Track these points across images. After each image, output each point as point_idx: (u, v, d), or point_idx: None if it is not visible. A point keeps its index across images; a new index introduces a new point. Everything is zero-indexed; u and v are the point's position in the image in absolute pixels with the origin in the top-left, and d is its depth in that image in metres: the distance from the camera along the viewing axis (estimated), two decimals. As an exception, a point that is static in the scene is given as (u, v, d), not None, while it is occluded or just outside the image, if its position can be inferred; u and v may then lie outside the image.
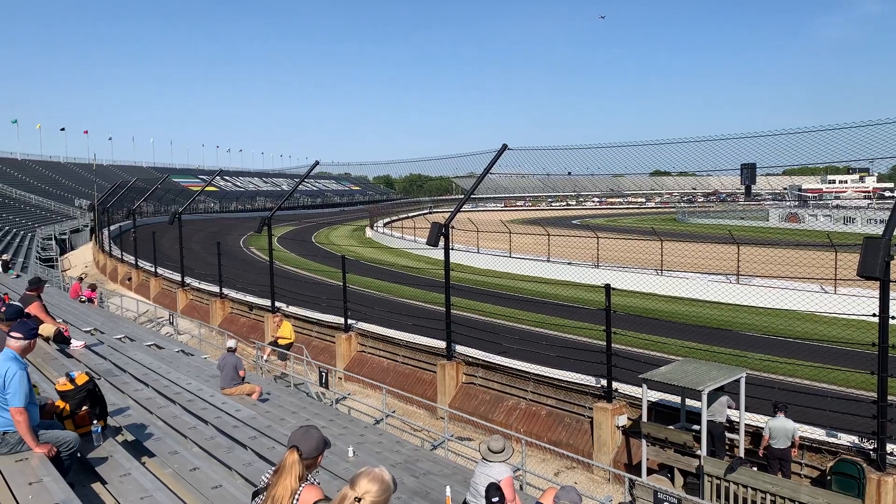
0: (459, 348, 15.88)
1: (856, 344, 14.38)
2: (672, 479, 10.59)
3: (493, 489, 5.78)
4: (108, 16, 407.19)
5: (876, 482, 9.25)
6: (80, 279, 24.48)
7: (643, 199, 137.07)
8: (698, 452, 10.02)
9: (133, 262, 35.57)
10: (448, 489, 7.46)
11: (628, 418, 12.24)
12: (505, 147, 16.34)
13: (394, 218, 73.23)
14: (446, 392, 15.48)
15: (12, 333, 5.39)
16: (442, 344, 15.98)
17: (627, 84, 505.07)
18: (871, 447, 9.65)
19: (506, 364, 14.84)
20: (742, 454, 10.45)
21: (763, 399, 11.04)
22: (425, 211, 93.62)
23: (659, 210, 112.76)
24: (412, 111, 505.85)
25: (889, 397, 9.50)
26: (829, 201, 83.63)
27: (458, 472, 9.36)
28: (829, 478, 9.68)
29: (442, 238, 15.16)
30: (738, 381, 10.44)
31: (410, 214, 78.75)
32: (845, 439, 10.15)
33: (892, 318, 9.44)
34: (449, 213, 16.04)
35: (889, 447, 9.50)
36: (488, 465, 6.38)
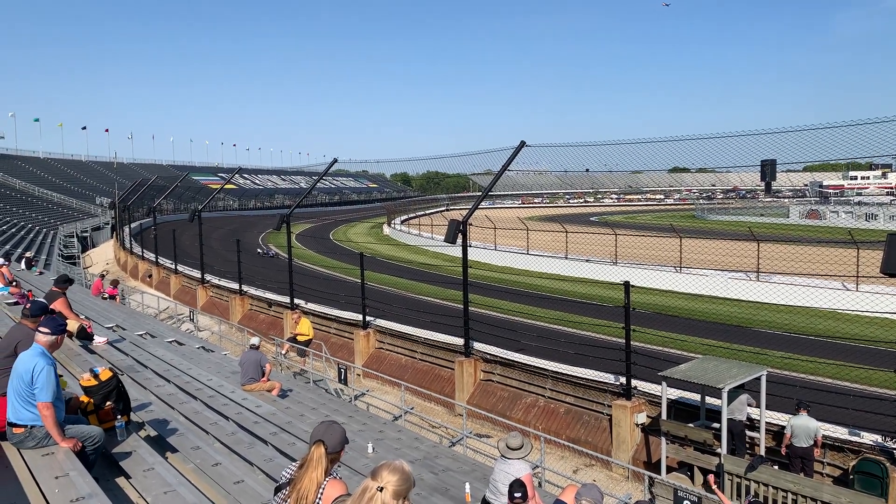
0: (477, 345, 15.89)
1: (878, 342, 14.21)
2: (692, 478, 10.53)
3: (517, 485, 5.78)
4: (130, 15, 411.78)
5: (900, 482, 9.14)
6: (102, 276, 24.75)
7: (661, 196, 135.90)
8: (718, 450, 9.96)
9: (154, 259, 35.96)
10: (467, 486, 7.49)
11: (647, 416, 12.19)
12: (523, 144, 16.30)
13: (411, 215, 73.29)
14: (464, 389, 15.51)
15: (41, 329, 5.44)
16: (460, 341, 16.00)
17: (646, 80, 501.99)
18: (895, 446, 9.54)
19: (524, 361, 14.83)
20: (763, 452, 10.37)
21: (784, 397, 10.95)
22: (442, 208, 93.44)
23: (677, 207, 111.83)
24: (430, 108, 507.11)
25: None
26: (851, 198, 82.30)
27: (477, 468, 9.38)
28: (851, 477, 9.58)
29: (459, 235, 15.18)
30: (758, 378, 10.37)
31: (428, 212, 78.85)
32: (868, 438, 10.05)
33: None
34: (466, 211, 16.04)
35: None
36: (507, 461, 6.37)
